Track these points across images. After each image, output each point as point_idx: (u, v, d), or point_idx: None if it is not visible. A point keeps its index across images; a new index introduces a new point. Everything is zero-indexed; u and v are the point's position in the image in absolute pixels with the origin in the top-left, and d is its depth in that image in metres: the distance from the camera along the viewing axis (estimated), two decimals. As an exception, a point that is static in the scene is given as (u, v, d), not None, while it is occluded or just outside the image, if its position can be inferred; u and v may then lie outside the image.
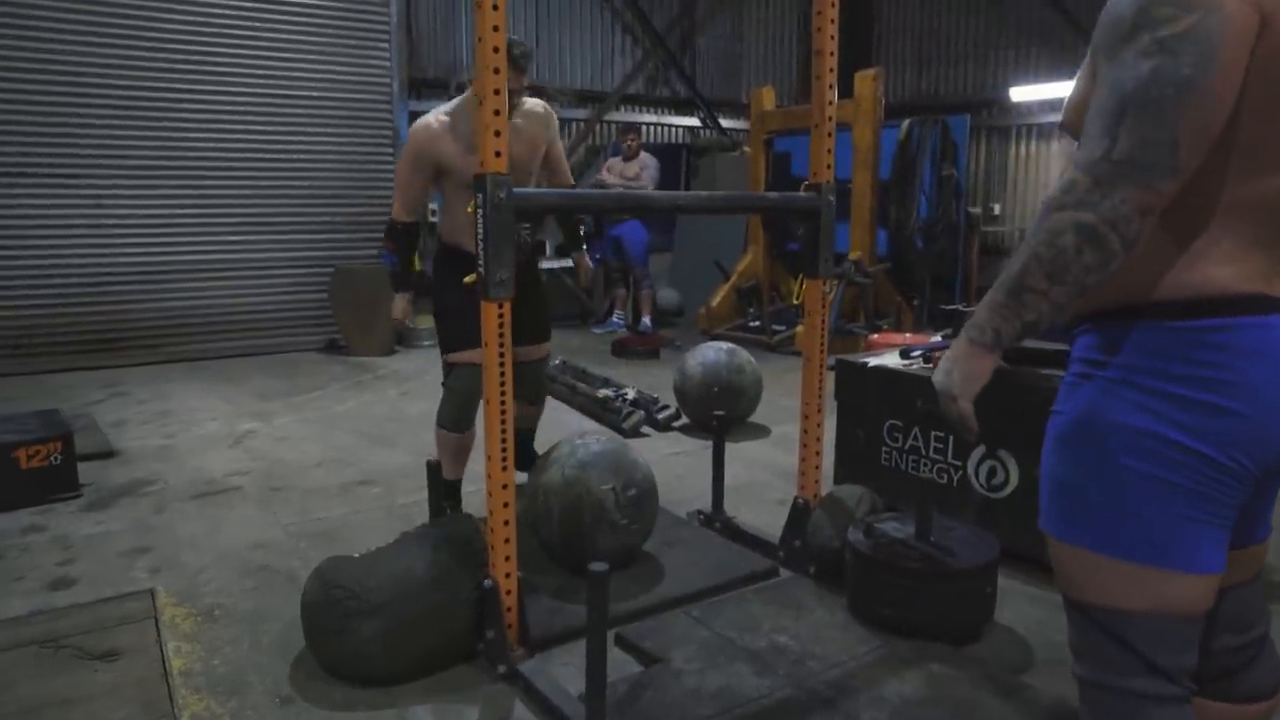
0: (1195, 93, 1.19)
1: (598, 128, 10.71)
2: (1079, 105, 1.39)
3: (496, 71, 2.25)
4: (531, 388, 3.77)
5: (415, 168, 3.33)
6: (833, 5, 2.87)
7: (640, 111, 11.22)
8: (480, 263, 2.32)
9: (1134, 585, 1.36)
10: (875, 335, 6.58)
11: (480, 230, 2.29)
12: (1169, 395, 1.30)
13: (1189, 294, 1.30)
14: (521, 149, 3.32)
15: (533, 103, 3.48)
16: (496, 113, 2.27)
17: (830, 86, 2.93)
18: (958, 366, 1.43)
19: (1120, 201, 1.23)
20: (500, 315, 2.37)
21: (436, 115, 3.30)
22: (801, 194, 2.97)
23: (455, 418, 3.45)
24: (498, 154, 2.28)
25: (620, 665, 2.57)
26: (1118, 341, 1.36)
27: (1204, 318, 1.29)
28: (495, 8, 2.22)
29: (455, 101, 3.34)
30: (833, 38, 2.89)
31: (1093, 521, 1.39)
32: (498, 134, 2.27)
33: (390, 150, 8.42)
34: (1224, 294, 1.29)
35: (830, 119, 2.95)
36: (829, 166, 2.97)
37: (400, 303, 3.57)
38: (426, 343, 8.05)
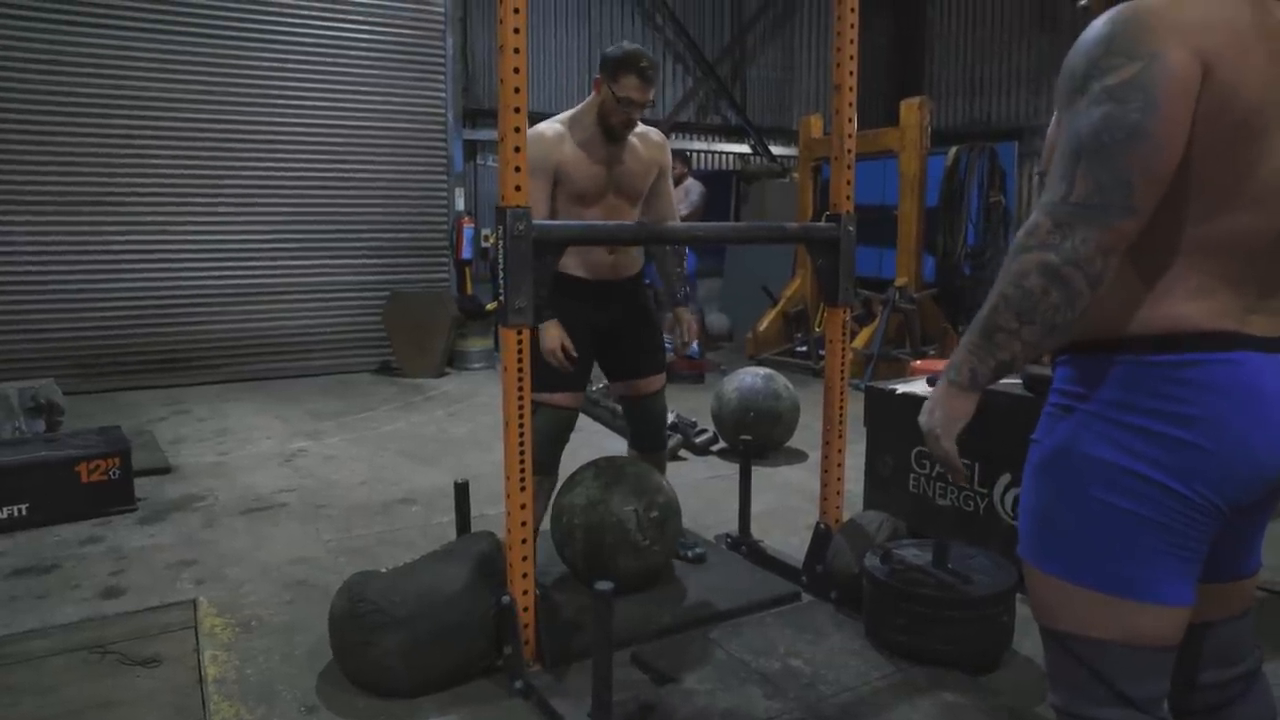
0: (1143, 136, 1.24)
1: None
2: (1051, 155, 1.44)
3: (517, 111, 2.36)
4: (650, 426, 3.49)
5: (536, 178, 2.90)
6: (851, 42, 2.94)
7: (691, 139, 11.36)
8: (501, 293, 2.43)
9: (1104, 615, 1.38)
10: (919, 361, 6.56)
11: (500, 261, 2.40)
12: (1137, 429, 1.33)
13: (1159, 330, 1.33)
14: (637, 168, 3.21)
15: (650, 129, 3.32)
16: (517, 150, 2.38)
17: (850, 120, 2.99)
18: (939, 407, 1.46)
19: (1080, 242, 1.28)
20: (519, 342, 2.47)
21: (550, 124, 3.09)
22: (821, 224, 3.03)
23: (536, 460, 2.90)
24: (517, 188, 2.38)
25: (636, 685, 2.63)
26: (1092, 375, 1.39)
27: (1173, 353, 1.32)
28: (516, 51, 2.33)
29: (571, 111, 3.18)
30: (851, 74, 2.96)
31: (1065, 551, 1.42)
32: (518, 170, 2.38)
33: (444, 179, 8.65)
34: (1193, 330, 1.32)
35: (850, 151, 3.01)
36: (848, 197, 3.02)
37: (550, 331, 2.96)
38: (476, 365, 8.23)
